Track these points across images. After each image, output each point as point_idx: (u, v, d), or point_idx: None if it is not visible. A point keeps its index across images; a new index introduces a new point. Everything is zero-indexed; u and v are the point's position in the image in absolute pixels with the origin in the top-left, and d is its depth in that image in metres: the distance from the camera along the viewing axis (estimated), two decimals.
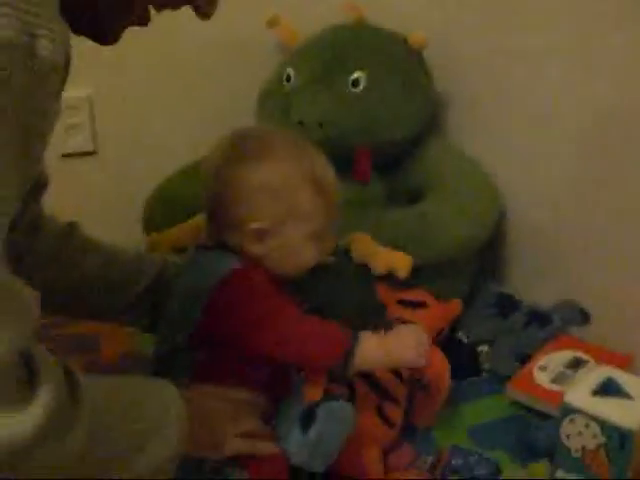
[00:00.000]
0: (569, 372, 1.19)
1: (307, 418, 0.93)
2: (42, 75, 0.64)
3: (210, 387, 0.95)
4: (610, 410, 0.91)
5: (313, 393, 0.97)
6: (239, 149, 1.01)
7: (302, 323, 0.96)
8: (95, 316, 1.20)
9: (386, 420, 1.07)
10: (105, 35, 0.84)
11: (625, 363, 1.16)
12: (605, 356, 1.19)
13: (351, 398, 1.04)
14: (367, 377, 1.06)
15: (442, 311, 1.27)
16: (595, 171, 1.27)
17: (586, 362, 1.20)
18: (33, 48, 0.63)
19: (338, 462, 0.95)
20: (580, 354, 1.22)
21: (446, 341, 1.37)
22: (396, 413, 1.09)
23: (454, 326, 1.39)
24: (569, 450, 0.93)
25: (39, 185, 1.07)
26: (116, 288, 1.13)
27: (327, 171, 1.03)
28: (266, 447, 0.94)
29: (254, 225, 0.97)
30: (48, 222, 1.13)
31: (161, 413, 0.82)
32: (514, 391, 1.20)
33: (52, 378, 0.69)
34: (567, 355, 1.22)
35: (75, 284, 1.12)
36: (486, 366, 1.31)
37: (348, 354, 0.94)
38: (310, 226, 1.00)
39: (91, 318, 1.21)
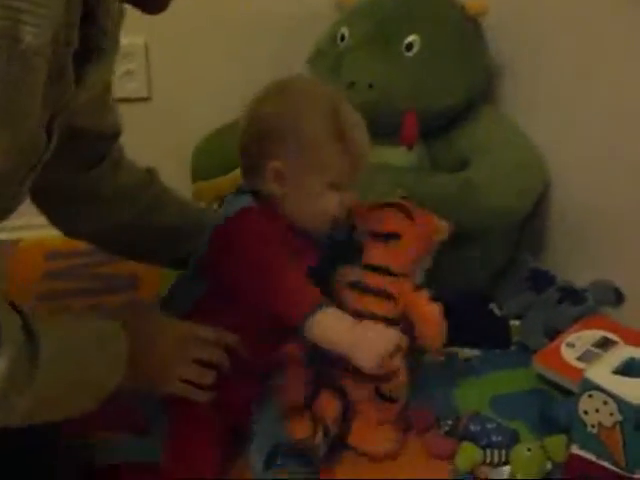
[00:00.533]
0: (596, 351, 1.19)
1: (272, 457, 0.96)
2: (25, 59, 0.65)
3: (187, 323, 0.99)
4: (629, 389, 0.91)
5: (300, 429, 0.99)
6: (274, 94, 1.06)
7: (284, 275, 0.96)
8: (156, 261, 1.26)
9: (387, 398, 1.07)
10: (152, 4, 0.86)
11: None
12: (635, 337, 1.18)
13: (344, 397, 1.06)
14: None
15: (418, 238, 1.11)
16: None
17: (615, 343, 1.20)
18: (17, 33, 0.63)
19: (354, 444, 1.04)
20: (610, 334, 1.22)
21: (478, 312, 1.39)
22: (394, 386, 1.07)
23: (487, 297, 1.41)
24: (585, 425, 0.94)
25: (113, 134, 1.13)
26: (185, 238, 1.16)
27: (357, 126, 1.05)
28: (201, 395, 0.97)
29: (273, 164, 1.01)
30: (128, 165, 1.19)
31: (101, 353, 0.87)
32: (540, 365, 1.20)
33: (11, 341, 0.74)
34: (596, 334, 1.22)
35: (148, 230, 1.18)
36: (516, 339, 1.32)
37: (306, 318, 0.93)
38: (330, 176, 1.03)
39: (150, 262, 1.27)
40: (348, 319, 0.96)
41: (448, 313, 1.35)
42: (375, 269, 1.09)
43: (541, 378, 1.21)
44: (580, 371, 1.10)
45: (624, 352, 0.98)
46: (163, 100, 1.63)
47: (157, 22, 1.54)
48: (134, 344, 0.90)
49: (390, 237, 1.09)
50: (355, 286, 1.08)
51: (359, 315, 1.01)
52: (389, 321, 1.04)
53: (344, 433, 1.06)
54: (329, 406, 1.04)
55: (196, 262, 1.07)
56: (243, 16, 1.59)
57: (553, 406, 1.12)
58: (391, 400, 1.07)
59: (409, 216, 1.10)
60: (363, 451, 1.06)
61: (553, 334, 1.26)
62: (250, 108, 1.07)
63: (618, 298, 1.28)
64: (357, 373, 1.00)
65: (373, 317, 1.03)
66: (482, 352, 1.31)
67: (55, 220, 1.17)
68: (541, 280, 1.36)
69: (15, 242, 1.60)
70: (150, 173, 1.22)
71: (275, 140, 1.02)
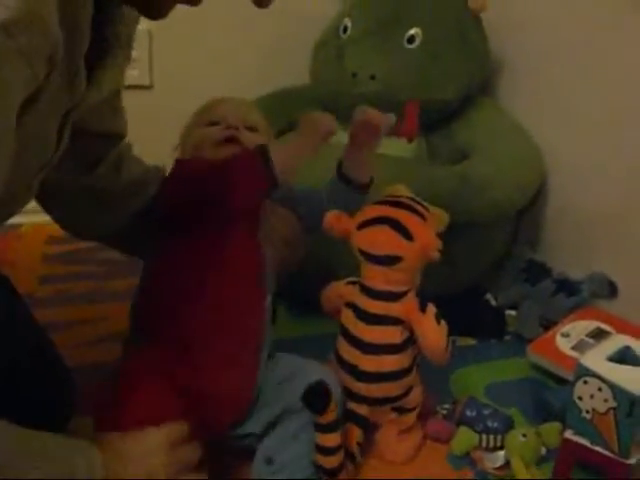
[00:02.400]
0: (590, 341, 1.22)
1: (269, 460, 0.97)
2: None
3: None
4: (623, 376, 0.93)
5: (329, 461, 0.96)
6: None
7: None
8: None
9: (405, 410, 1.08)
10: (153, 10, 0.84)
11: None
12: (628, 329, 1.21)
13: (366, 423, 1.04)
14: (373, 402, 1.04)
15: (420, 255, 1.02)
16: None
17: (608, 333, 1.23)
18: None
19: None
20: (604, 325, 1.25)
21: (474, 302, 1.42)
22: (411, 399, 1.07)
23: (484, 288, 1.44)
24: (580, 411, 0.97)
25: (117, 136, 1.13)
26: None
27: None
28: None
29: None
30: (135, 164, 1.17)
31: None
32: (535, 354, 1.24)
33: None
34: (591, 325, 1.26)
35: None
36: (511, 329, 1.36)
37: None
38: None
39: None
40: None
41: (445, 304, 1.39)
42: (378, 295, 1.02)
43: (536, 367, 1.24)
44: (574, 360, 1.13)
45: (619, 341, 1.00)
46: (165, 88, 1.65)
47: None
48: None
49: (391, 260, 1.00)
50: (360, 315, 1.02)
51: (368, 345, 1.01)
52: (398, 346, 1.02)
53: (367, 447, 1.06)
54: (353, 434, 1.02)
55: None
56: (247, 8, 1.60)
57: (547, 394, 1.15)
58: (409, 410, 1.07)
59: (408, 235, 1.01)
60: (387, 460, 1.06)
61: (548, 324, 1.30)
62: None
63: (612, 290, 1.32)
64: (375, 402, 1.02)
65: (383, 347, 1.01)
66: (478, 341, 1.34)
67: (64, 223, 1.16)
68: (537, 272, 1.40)
69: (17, 226, 1.62)
70: (159, 170, 1.21)
71: None
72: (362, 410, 1.04)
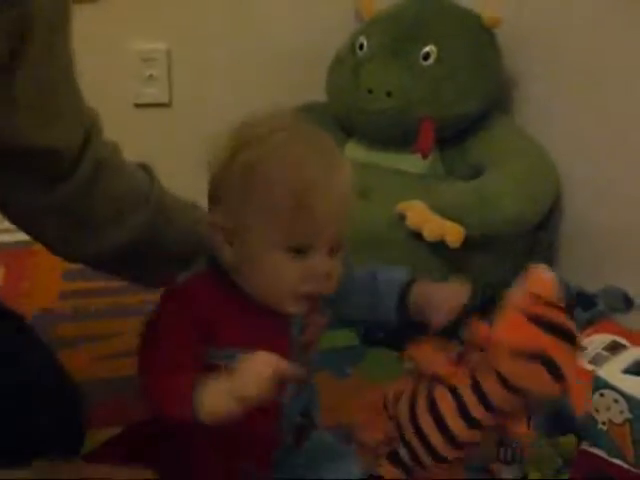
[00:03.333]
0: (607, 354, 1.21)
1: None
2: None
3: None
4: (639, 388, 0.95)
5: None
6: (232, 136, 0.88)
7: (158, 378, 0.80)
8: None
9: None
10: None
11: None
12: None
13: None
14: None
15: (559, 391, 0.83)
16: None
17: (625, 347, 1.23)
18: None
19: None
20: (619, 338, 1.25)
21: (490, 316, 1.43)
22: None
23: (500, 301, 1.44)
24: (596, 423, 0.98)
25: (68, 147, 0.92)
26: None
27: (322, 176, 0.80)
28: None
29: (216, 218, 0.83)
30: (116, 174, 1.00)
31: None
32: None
33: None
34: (607, 339, 1.25)
35: (152, 247, 1.00)
36: None
37: (194, 412, 0.76)
38: (283, 236, 0.79)
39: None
40: (217, 382, 0.76)
41: (460, 317, 1.40)
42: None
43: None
44: (591, 373, 1.15)
45: (634, 353, 1.02)
46: (183, 106, 1.68)
47: (179, 28, 1.62)
48: None
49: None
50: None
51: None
52: None
53: None
54: None
55: None
56: (264, 23, 1.64)
57: (564, 407, 1.15)
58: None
59: (558, 376, 0.83)
60: None
61: None
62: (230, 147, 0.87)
63: (627, 304, 1.32)
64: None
65: None
66: None
67: (51, 248, 1.02)
68: None
69: (33, 243, 1.64)
70: (147, 171, 1.07)
71: (221, 193, 0.84)
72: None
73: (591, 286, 1.38)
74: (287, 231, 0.79)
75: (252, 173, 0.80)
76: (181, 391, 0.77)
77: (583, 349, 1.23)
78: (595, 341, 1.26)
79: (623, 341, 1.24)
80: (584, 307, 1.33)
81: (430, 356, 0.85)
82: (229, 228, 0.81)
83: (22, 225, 0.97)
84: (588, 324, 1.31)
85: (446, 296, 0.89)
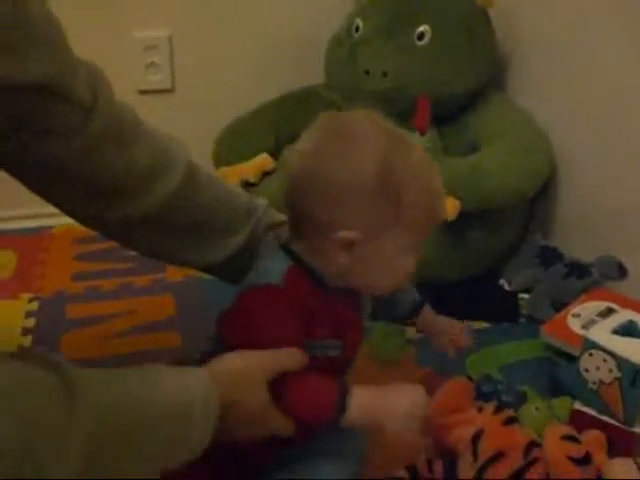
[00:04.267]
0: (600, 320, 1.26)
1: None
2: None
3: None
4: (627, 348, 0.99)
5: None
6: (329, 139, 0.86)
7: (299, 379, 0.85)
8: (190, 262, 1.07)
9: None
10: None
11: None
12: (637, 308, 1.23)
13: None
14: None
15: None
16: None
17: (618, 312, 1.27)
18: None
19: None
20: (613, 305, 1.29)
21: (488, 286, 1.47)
22: None
23: (498, 273, 1.49)
24: (587, 383, 1.02)
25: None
26: (231, 231, 1.04)
27: (434, 168, 0.91)
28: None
29: (344, 234, 0.83)
30: (142, 138, 1.00)
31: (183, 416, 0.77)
32: (547, 334, 1.28)
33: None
34: (601, 305, 1.30)
35: (183, 216, 1.01)
36: (525, 312, 1.41)
37: (339, 415, 0.83)
38: (410, 236, 0.86)
39: (184, 264, 1.09)
40: (375, 393, 0.85)
41: (460, 288, 1.44)
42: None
43: (548, 347, 1.28)
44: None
45: (624, 315, 1.06)
46: (186, 91, 1.72)
47: (181, 16, 1.66)
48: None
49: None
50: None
51: None
52: None
53: None
54: None
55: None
56: (264, 8, 1.68)
57: (558, 371, 1.20)
58: None
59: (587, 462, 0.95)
60: None
61: (560, 306, 1.34)
62: (298, 155, 0.87)
63: (621, 272, 1.36)
64: None
65: None
66: (492, 325, 1.39)
67: (75, 215, 1.01)
68: (549, 257, 1.44)
69: (48, 228, 1.70)
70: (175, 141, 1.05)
71: (347, 210, 0.83)
72: None
73: (588, 256, 1.42)
74: (422, 234, 0.87)
75: (393, 187, 0.83)
76: (326, 397, 0.83)
77: (576, 315, 1.28)
78: (589, 307, 1.30)
79: (617, 307, 1.29)
80: (579, 276, 1.38)
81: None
82: (354, 237, 0.83)
83: (44, 190, 0.96)
84: (582, 292, 1.36)
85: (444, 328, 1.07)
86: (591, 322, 1.26)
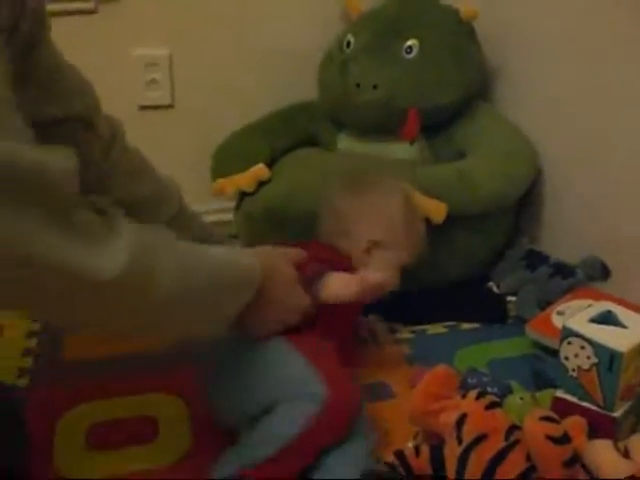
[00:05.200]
0: None
1: None
2: None
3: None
4: (603, 334, 1.03)
5: None
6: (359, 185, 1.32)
7: None
8: None
9: None
10: None
11: None
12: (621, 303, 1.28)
13: None
14: None
15: None
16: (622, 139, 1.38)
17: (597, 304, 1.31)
18: None
19: None
20: (596, 303, 1.33)
21: (477, 290, 1.52)
22: None
23: (486, 277, 1.53)
24: (567, 370, 1.06)
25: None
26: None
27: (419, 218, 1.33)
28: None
29: (375, 235, 1.25)
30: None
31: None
32: (533, 331, 1.31)
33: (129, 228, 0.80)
34: (584, 303, 1.33)
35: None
36: (513, 314, 1.45)
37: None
38: (401, 255, 1.27)
39: None
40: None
41: (449, 292, 1.49)
42: None
43: (534, 344, 1.32)
44: None
45: (602, 306, 1.10)
46: (186, 107, 1.77)
47: (181, 34, 1.72)
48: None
49: None
50: None
51: None
52: None
53: None
54: None
55: None
56: (263, 27, 1.74)
57: (543, 365, 1.24)
58: None
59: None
60: None
61: (546, 306, 1.37)
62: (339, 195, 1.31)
63: (605, 272, 1.40)
64: None
65: None
66: (481, 326, 1.44)
67: None
68: (535, 259, 1.49)
69: None
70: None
71: (372, 223, 1.26)
72: None
73: (573, 259, 1.47)
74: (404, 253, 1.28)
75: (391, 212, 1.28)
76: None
77: (561, 313, 1.32)
78: (573, 305, 1.33)
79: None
80: (563, 276, 1.42)
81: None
82: (376, 241, 1.26)
83: None
84: (567, 292, 1.40)
85: None
86: None
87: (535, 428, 0.94)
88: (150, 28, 1.70)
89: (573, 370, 1.06)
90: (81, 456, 1.13)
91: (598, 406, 1.05)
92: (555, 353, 1.26)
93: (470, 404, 1.02)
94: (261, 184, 1.55)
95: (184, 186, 1.76)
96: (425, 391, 1.05)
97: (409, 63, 1.53)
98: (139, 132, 1.73)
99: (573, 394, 1.07)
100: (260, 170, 1.55)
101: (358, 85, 1.54)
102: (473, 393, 1.03)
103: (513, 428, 0.99)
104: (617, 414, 1.04)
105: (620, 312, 1.09)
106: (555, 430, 0.94)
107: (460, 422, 1.00)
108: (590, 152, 1.45)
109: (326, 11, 1.76)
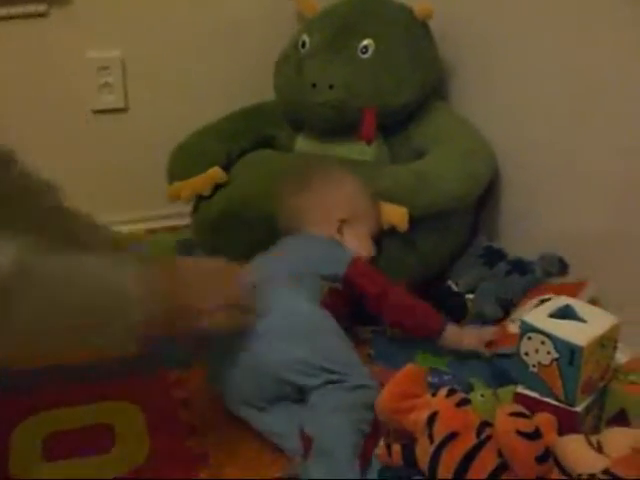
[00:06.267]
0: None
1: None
2: None
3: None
4: (563, 329, 1.02)
5: None
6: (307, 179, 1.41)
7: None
8: None
9: None
10: None
11: (583, 286, 1.31)
12: (563, 288, 1.30)
13: None
14: None
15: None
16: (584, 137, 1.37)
17: (548, 300, 1.24)
18: None
19: None
20: (543, 296, 1.30)
21: (437, 289, 1.50)
22: None
23: (445, 275, 1.53)
24: (527, 366, 1.05)
25: None
26: None
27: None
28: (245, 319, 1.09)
29: (340, 215, 1.36)
30: None
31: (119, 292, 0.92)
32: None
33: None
34: (533, 302, 1.31)
35: None
36: (473, 311, 1.44)
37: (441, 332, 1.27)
38: (370, 225, 1.38)
39: None
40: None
41: (411, 291, 1.47)
42: None
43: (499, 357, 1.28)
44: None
45: (561, 301, 1.09)
46: (139, 111, 1.75)
47: (133, 36, 1.69)
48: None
49: None
50: None
51: None
52: None
53: None
54: None
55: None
56: (215, 31, 1.73)
57: (503, 363, 1.23)
58: None
59: None
60: None
61: (504, 303, 1.38)
62: (294, 197, 1.39)
63: (562, 267, 1.40)
64: None
65: None
66: None
67: None
68: (493, 256, 1.49)
69: None
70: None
71: (337, 203, 1.38)
72: None
73: (532, 255, 1.47)
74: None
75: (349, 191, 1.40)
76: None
77: (514, 320, 1.31)
78: (526, 309, 1.31)
79: (547, 297, 1.28)
80: (521, 273, 1.41)
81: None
82: (345, 219, 1.37)
83: None
84: (524, 289, 1.39)
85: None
86: None
87: (506, 424, 0.94)
88: (102, 29, 1.68)
89: (533, 366, 1.05)
90: (38, 468, 1.10)
91: (560, 401, 1.04)
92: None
93: (441, 402, 1.01)
94: (217, 187, 1.53)
95: (141, 191, 1.75)
96: (394, 390, 1.04)
97: (365, 63, 1.52)
98: (93, 137, 1.73)
99: (534, 390, 1.06)
100: (216, 173, 1.53)
101: (314, 85, 1.52)
102: (443, 391, 1.02)
103: (484, 425, 0.98)
104: (579, 408, 1.03)
105: (578, 306, 1.08)
106: (526, 425, 0.93)
107: (431, 420, 0.99)
108: (547, 150, 1.45)
109: (280, 13, 1.75)
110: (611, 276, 1.32)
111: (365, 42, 1.52)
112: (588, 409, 1.05)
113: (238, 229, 1.47)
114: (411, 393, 1.04)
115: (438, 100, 1.64)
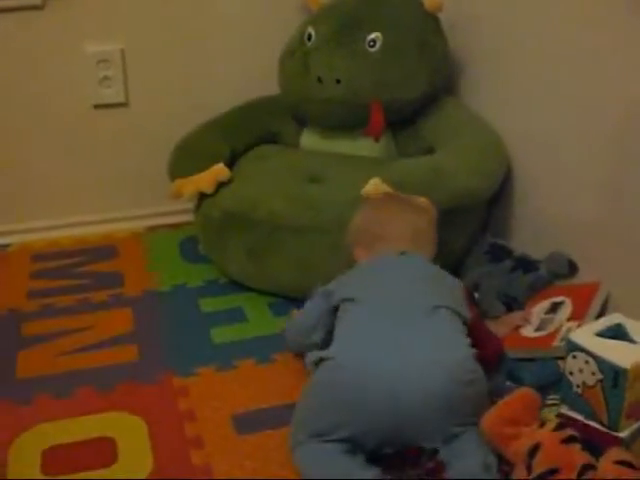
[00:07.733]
0: (549, 317, 1.13)
1: None
2: None
3: None
4: (608, 350, 0.85)
5: None
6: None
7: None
8: None
9: None
10: None
11: (595, 289, 1.13)
12: (575, 290, 1.15)
13: None
14: None
15: None
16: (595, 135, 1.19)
17: (561, 303, 1.15)
18: None
19: None
20: (556, 299, 1.16)
21: None
22: None
23: (453, 272, 1.33)
24: (572, 386, 0.88)
25: None
26: None
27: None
28: None
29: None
30: None
31: None
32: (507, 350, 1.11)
33: None
34: (545, 304, 1.17)
35: None
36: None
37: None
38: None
39: None
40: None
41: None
42: None
43: (514, 359, 1.10)
44: (541, 339, 1.08)
45: (611, 318, 0.92)
46: (140, 105, 1.54)
47: (133, 29, 1.48)
48: None
49: None
50: None
51: None
52: None
53: None
54: None
55: None
56: (218, 24, 1.52)
57: (517, 369, 1.05)
58: None
59: None
60: None
61: (508, 300, 1.21)
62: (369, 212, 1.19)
63: (571, 269, 1.22)
64: None
65: None
66: None
67: None
68: (499, 253, 1.31)
69: (4, 246, 1.52)
70: None
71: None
72: None
73: (542, 255, 1.29)
74: None
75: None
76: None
77: (527, 323, 1.14)
78: (536, 312, 1.17)
79: (559, 299, 1.17)
80: (525, 270, 1.25)
81: None
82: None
83: None
84: (529, 288, 1.22)
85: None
86: (543, 323, 1.13)
87: (611, 472, 0.79)
88: (100, 23, 1.47)
89: (578, 386, 0.87)
90: None
91: (603, 425, 0.86)
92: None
93: (546, 435, 0.84)
94: (221, 185, 1.32)
95: (141, 187, 1.55)
96: (504, 414, 0.87)
97: (372, 57, 1.32)
98: (94, 132, 1.52)
99: (578, 411, 0.88)
100: (220, 170, 1.32)
101: (320, 79, 1.33)
102: (552, 424, 0.85)
103: (587, 467, 0.81)
104: (624, 434, 0.85)
105: (630, 326, 0.90)
106: (632, 476, 0.78)
107: (533, 451, 0.83)
108: (558, 147, 1.26)
109: (284, 3, 1.54)
110: (623, 277, 1.13)
111: (373, 35, 1.32)
112: (634, 435, 0.86)
113: (242, 230, 1.27)
114: (521, 420, 0.86)
115: (448, 94, 1.44)
